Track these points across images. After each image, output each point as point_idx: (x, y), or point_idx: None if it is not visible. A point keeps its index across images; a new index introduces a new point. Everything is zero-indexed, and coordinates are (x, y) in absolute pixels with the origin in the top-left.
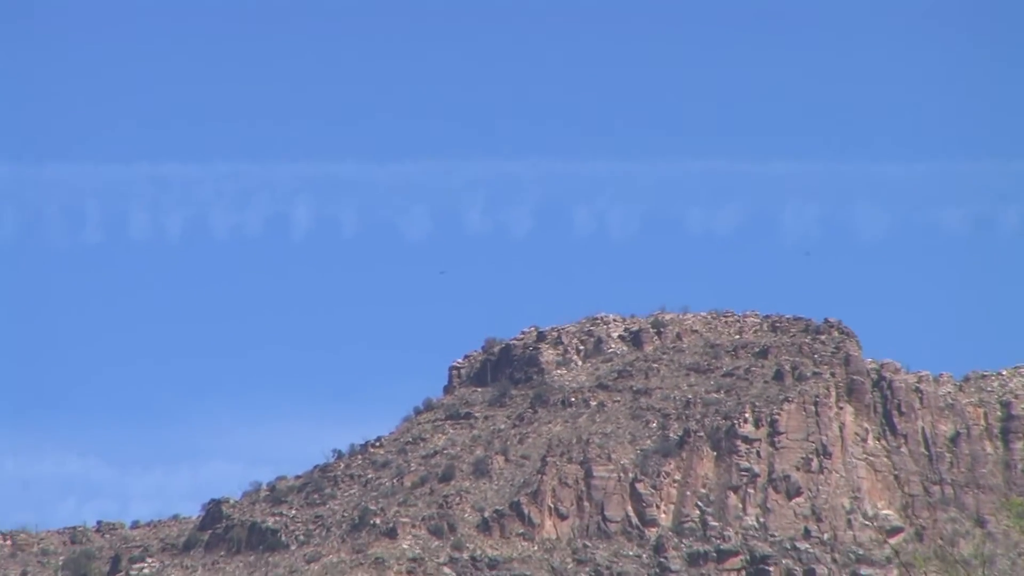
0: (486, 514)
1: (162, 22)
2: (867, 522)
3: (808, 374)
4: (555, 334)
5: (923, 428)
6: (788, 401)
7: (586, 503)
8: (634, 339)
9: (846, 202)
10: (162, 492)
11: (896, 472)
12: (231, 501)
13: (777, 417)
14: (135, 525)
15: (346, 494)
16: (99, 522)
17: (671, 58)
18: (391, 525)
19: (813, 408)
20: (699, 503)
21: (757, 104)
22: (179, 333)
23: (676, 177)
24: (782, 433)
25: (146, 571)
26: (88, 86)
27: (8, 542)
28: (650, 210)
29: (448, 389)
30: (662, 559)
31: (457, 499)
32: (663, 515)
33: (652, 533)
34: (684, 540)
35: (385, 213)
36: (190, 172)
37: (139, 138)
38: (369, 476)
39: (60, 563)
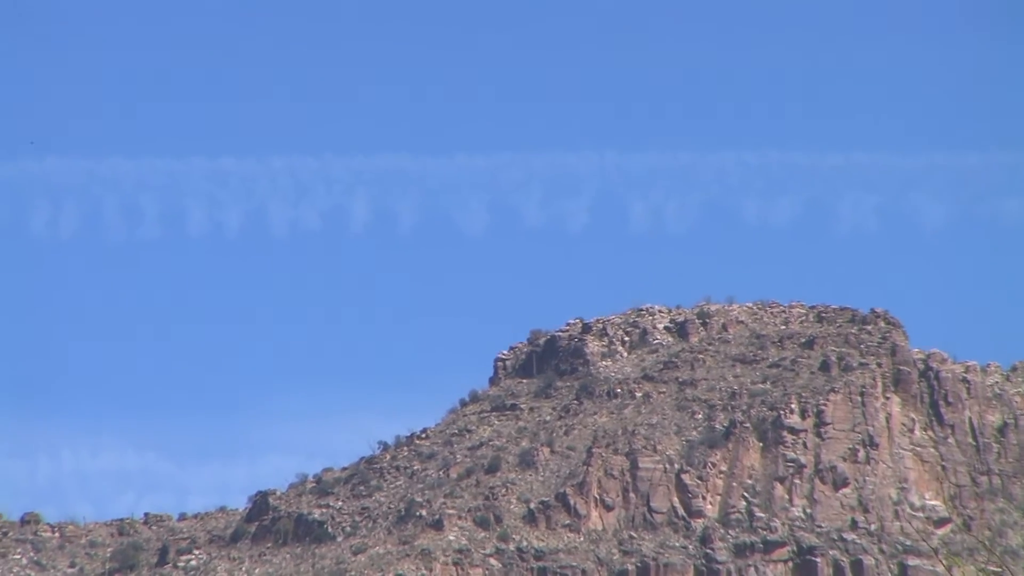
0: (532, 505)
1: (215, 19)
2: (914, 513)
3: (854, 364)
4: (600, 325)
5: (970, 418)
6: (834, 391)
7: (632, 494)
8: (680, 330)
9: (902, 193)
10: (217, 486)
11: (943, 462)
12: (278, 493)
13: (823, 408)
14: (182, 517)
15: (392, 486)
16: (146, 514)
17: (724, 49)
18: (437, 517)
19: (860, 398)
20: (745, 494)
21: (812, 94)
22: (235, 328)
23: (732, 168)
24: (828, 424)
25: (193, 563)
26: (145, 82)
27: (56, 534)
28: (706, 201)
29: (494, 381)
30: (708, 550)
31: (503, 490)
32: (709, 506)
33: (698, 524)
34: (730, 531)
35: (442, 206)
36: (247, 167)
37: (195, 133)
38: (415, 468)
39: (108, 555)
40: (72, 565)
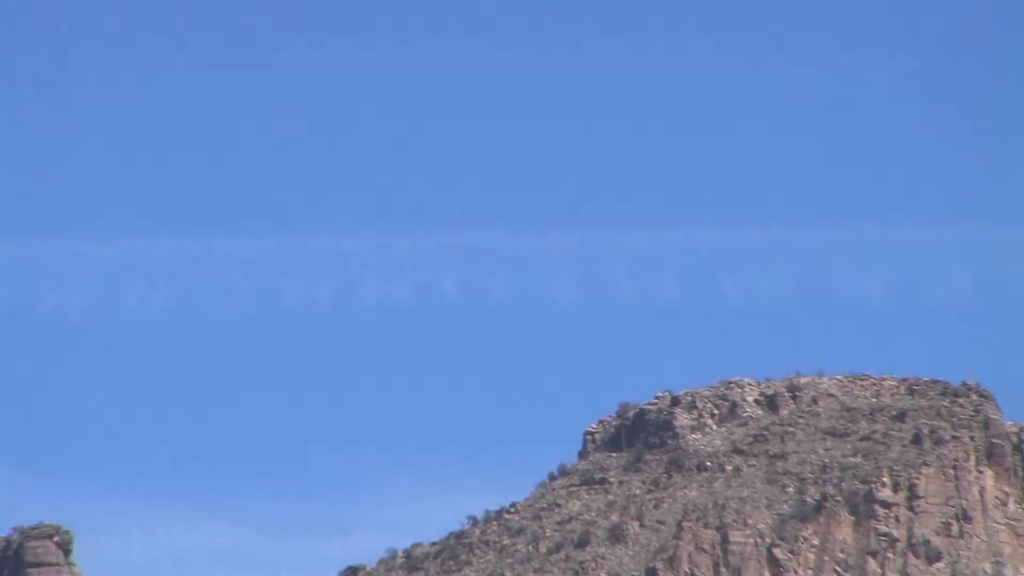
0: None
1: (300, 98)
2: None
3: (947, 437)
4: (689, 398)
5: None
6: (927, 465)
7: (723, 568)
8: (769, 403)
9: (997, 265)
10: (308, 562)
11: None
12: (367, 568)
13: (916, 481)
14: None
15: (481, 560)
16: None
17: (815, 126)
18: None
19: (952, 472)
20: (837, 568)
21: (902, 169)
22: (326, 402)
23: (824, 242)
24: (921, 497)
25: None
26: (238, 161)
27: None
28: (797, 276)
29: (582, 454)
30: None
31: (593, 564)
32: None
33: None
34: None
35: (533, 281)
36: (339, 244)
37: (288, 211)
38: (504, 542)
39: None
40: None
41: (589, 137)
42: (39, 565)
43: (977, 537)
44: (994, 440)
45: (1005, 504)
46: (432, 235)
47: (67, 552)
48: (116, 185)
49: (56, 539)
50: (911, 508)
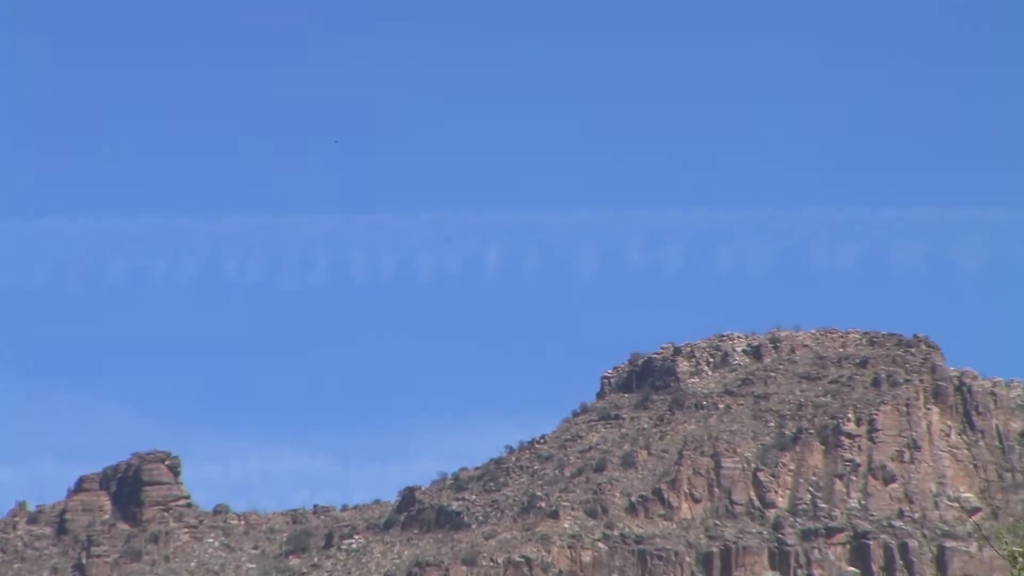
0: (633, 498)
1: (365, 93)
2: (951, 503)
3: (901, 381)
4: (689, 349)
5: (997, 425)
6: (884, 403)
7: (716, 489)
8: (755, 353)
9: (948, 240)
10: (375, 483)
11: (975, 462)
12: (422, 488)
13: (875, 417)
14: (344, 508)
15: (517, 482)
16: (315, 506)
17: (799, 120)
18: (554, 508)
19: (905, 409)
20: (810, 489)
21: (870, 157)
22: (388, 354)
23: (804, 220)
24: (879, 430)
25: (354, 546)
26: (315, 149)
27: (242, 522)
28: (781, 248)
29: (600, 395)
30: (780, 535)
31: (609, 486)
32: (780, 499)
33: (771, 514)
34: (798, 519)
35: (560, 252)
36: (399, 221)
37: (357, 193)
38: (535, 467)
39: (284, 539)
40: (255, 548)
41: (608, 128)
42: (153, 484)
43: (925, 463)
44: (940, 383)
45: (948, 435)
46: (477, 214)
47: (176, 474)
48: (217, 170)
49: (167, 463)
50: (871, 439)
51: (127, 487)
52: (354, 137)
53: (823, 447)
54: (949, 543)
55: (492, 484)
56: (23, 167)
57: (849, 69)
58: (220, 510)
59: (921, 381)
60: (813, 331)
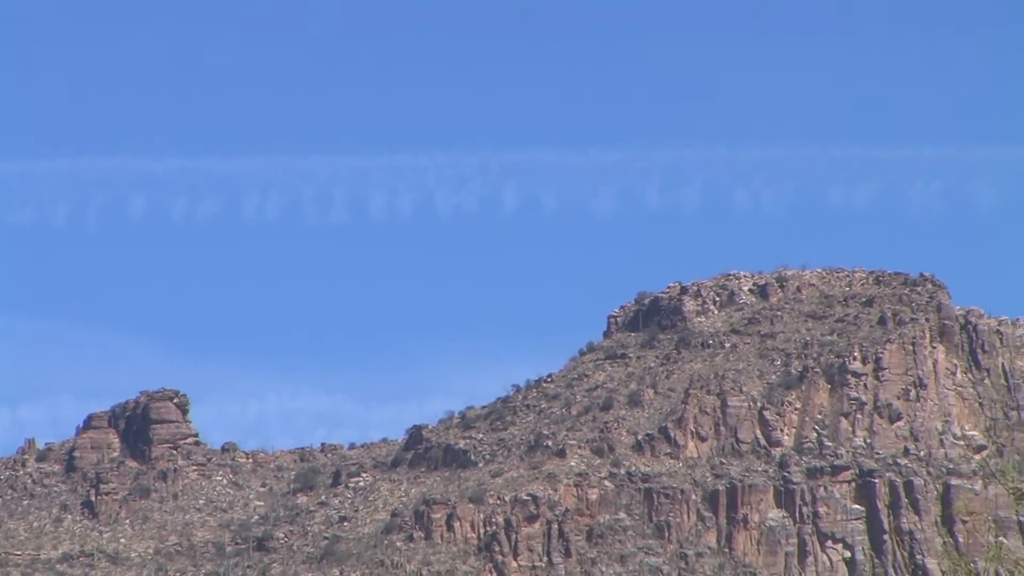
0: (639, 437)
1: (384, 39)
2: (956, 441)
3: (907, 319)
4: (695, 288)
5: (1002, 363)
6: (890, 342)
7: (722, 427)
8: (761, 292)
9: (966, 181)
10: (391, 422)
11: (980, 400)
12: (430, 427)
13: (881, 355)
14: (352, 446)
15: (523, 421)
16: (323, 444)
17: (814, 58)
18: (561, 447)
19: (911, 348)
20: (816, 427)
21: (888, 94)
22: (407, 294)
23: (819, 160)
24: (885, 368)
25: (361, 484)
26: (334, 88)
27: (250, 460)
28: (795, 188)
29: (607, 334)
30: (785, 473)
31: (615, 425)
32: (786, 437)
33: (777, 452)
34: (804, 458)
35: (577, 193)
36: (419, 162)
37: (378, 132)
38: (542, 406)
39: (292, 477)
40: (263, 485)
41: (627, 70)
42: (161, 422)
43: (931, 401)
44: (945, 321)
45: (954, 374)
46: (495, 154)
47: (184, 412)
48: (233, 111)
49: (175, 401)
50: (877, 377)
51: (135, 425)
52: (371, 76)
53: (829, 386)
54: (954, 481)
55: (499, 423)
56: (43, 107)
57: (869, 6)
58: (228, 448)
59: (927, 320)
60: (819, 270)
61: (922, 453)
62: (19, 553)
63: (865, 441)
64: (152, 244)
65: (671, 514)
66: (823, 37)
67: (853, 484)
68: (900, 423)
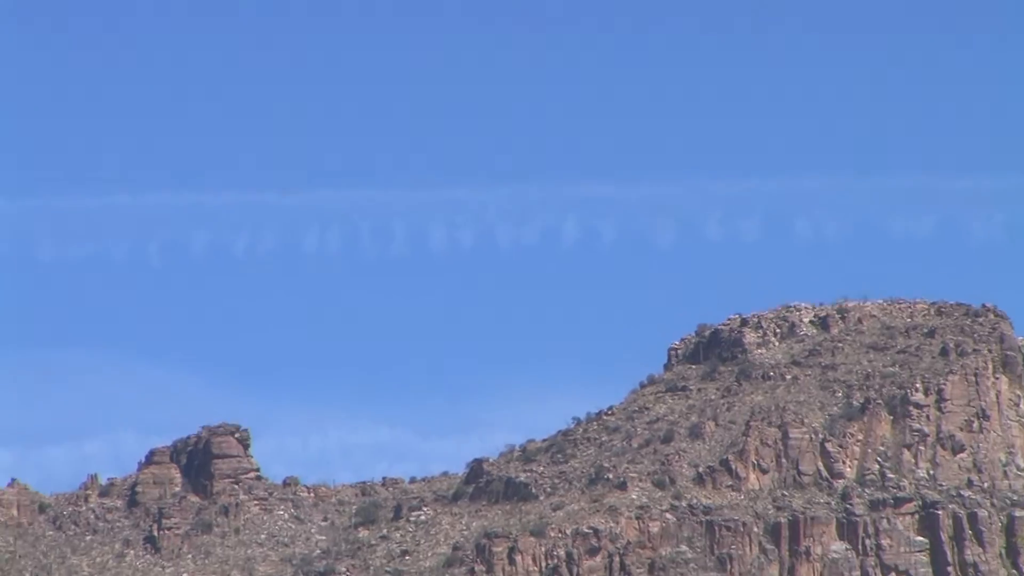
0: (700, 469)
1: (442, 72)
2: (1020, 473)
3: (969, 350)
4: (756, 320)
5: None
6: (952, 373)
7: (783, 460)
8: (822, 323)
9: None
10: (452, 456)
11: None
12: (490, 460)
13: (943, 386)
14: (413, 480)
15: (584, 453)
16: (384, 478)
17: (875, 88)
18: (622, 479)
19: (974, 378)
20: (878, 459)
21: (951, 123)
22: (468, 327)
23: (880, 190)
24: (948, 400)
25: (423, 518)
26: (396, 122)
27: (311, 494)
28: (857, 218)
29: (667, 367)
30: (848, 505)
31: (676, 457)
32: (848, 469)
33: (839, 484)
34: (866, 489)
35: (637, 226)
36: (478, 196)
37: (437, 167)
38: (603, 439)
39: (353, 510)
40: (325, 520)
41: (683, 101)
42: (223, 457)
43: (994, 432)
44: (1008, 352)
45: (1017, 405)
46: (556, 187)
47: (246, 447)
48: (296, 144)
49: (236, 436)
50: (939, 409)
51: (197, 460)
52: (432, 109)
53: (891, 417)
54: (1019, 512)
55: (560, 455)
56: (103, 142)
57: (928, 32)
58: (290, 483)
59: (989, 351)
60: (880, 301)
61: (985, 484)
62: None
63: (928, 473)
64: (213, 278)
65: (733, 547)
66: (885, 66)
67: (916, 516)
68: (963, 454)
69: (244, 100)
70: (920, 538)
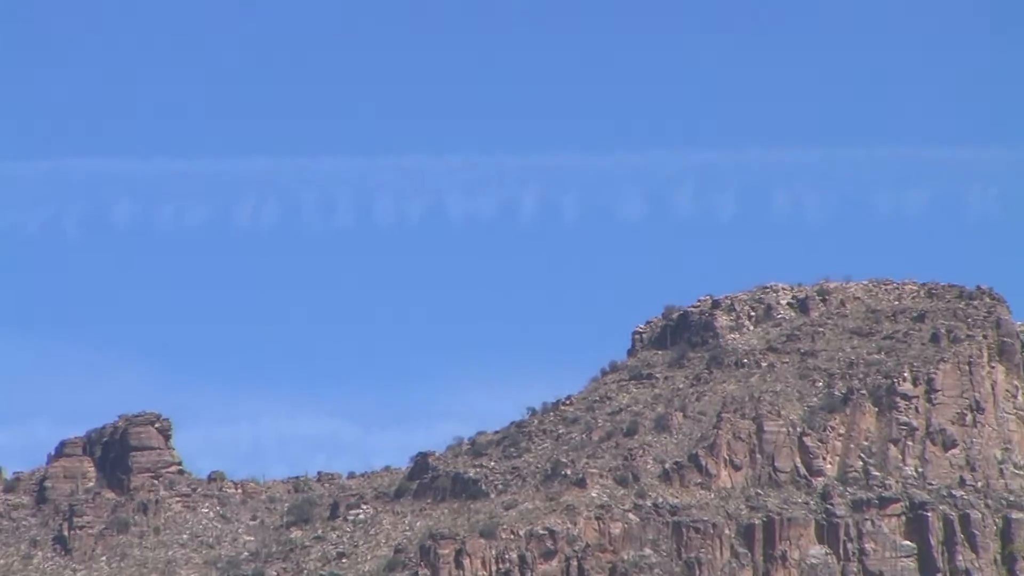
0: (667, 465)
1: (418, 25)
2: (1017, 471)
3: (962, 336)
4: (728, 302)
5: None
6: (944, 361)
7: (758, 455)
8: (801, 306)
9: (1020, 183)
10: (393, 448)
11: None
12: (436, 454)
13: (934, 376)
14: (351, 475)
15: (540, 447)
16: (319, 473)
17: (857, 55)
18: (581, 475)
19: (967, 367)
20: (862, 455)
21: (941, 92)
22: (414, 307)
23: (865, 162)
24: (938, 390)
25: (361, 516)
26: (339, 88)
27: (239, 490)
28: (840, 193)
29: (631, 352)
30: (828, 506)
31: (640, 452)
32: (829, 466)
33: (819, 482)
34: (848, 488)
35: (602, 198)
36: (429, 163)
37: (384, 132)
38: (560, 431)
39: (286, 509)
40: (254, 518)
41: (653, 68)
42: (141, 449)
43: (989, 426)
44: (1005, 339)
45: (1014, 396)
46: (513, 156)
47: (167, 438)
48: (228, 110)
49: (157, 425)
50: (929, 400)
51: (113, 452)
52: (379, 72)
53: (876, 409)
54: (1015, 515)
55: (513, 449)
56: (26, 105)
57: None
58: (215, 478)
59: (984, 337)
60: (865, 282)
61: (979, 484)
62: None
63: (916, 470)
64: (135, 252)
65: (702, 550)
66: (871, 31)
67: (903, 518)
68: (955, 451)
69: (176, 62)
70: (907, 542)
